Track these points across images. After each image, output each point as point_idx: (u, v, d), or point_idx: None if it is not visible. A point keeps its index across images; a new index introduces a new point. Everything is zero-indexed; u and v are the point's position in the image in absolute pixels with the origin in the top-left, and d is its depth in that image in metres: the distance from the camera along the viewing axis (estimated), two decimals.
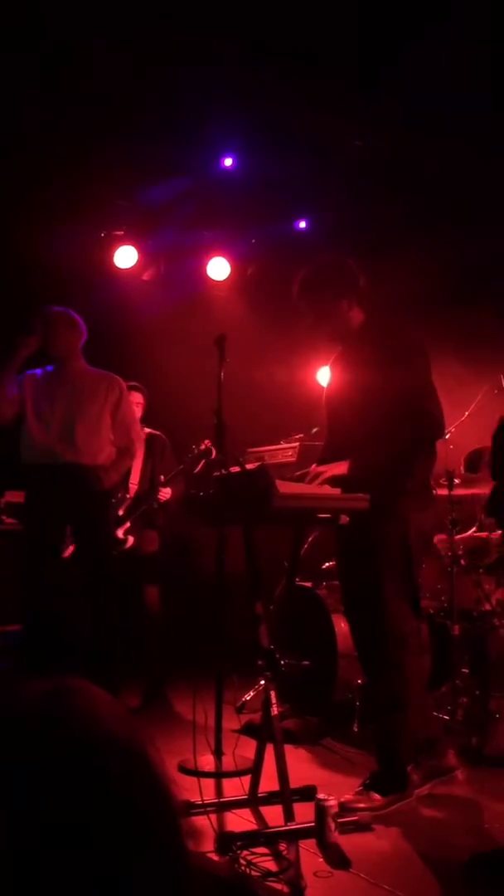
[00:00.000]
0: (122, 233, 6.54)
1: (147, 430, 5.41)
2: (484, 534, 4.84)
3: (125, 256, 6.57)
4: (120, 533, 5.20)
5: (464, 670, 4.45)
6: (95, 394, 4.62)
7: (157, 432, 5.47)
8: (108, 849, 0.72)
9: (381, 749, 3.46)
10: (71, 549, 4.76)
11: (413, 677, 3.41)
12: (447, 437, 4.49)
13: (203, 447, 4.83)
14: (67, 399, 4.56)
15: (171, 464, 5.28)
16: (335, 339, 3.70)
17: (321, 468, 3.39)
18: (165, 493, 5.15)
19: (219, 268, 6.79)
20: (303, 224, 6.75)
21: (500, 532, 4.57)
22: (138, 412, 5.30)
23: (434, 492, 3.84)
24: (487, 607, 4.53)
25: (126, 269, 6.62)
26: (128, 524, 5.17)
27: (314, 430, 5.51)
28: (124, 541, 5.18)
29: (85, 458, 4.48)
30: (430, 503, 3.63)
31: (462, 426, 4.87)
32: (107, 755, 0.77)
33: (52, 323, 4.57)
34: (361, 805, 3.21)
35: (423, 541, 3.53)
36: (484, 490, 4.79)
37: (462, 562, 4.50)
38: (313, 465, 3.50)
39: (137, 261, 6.61)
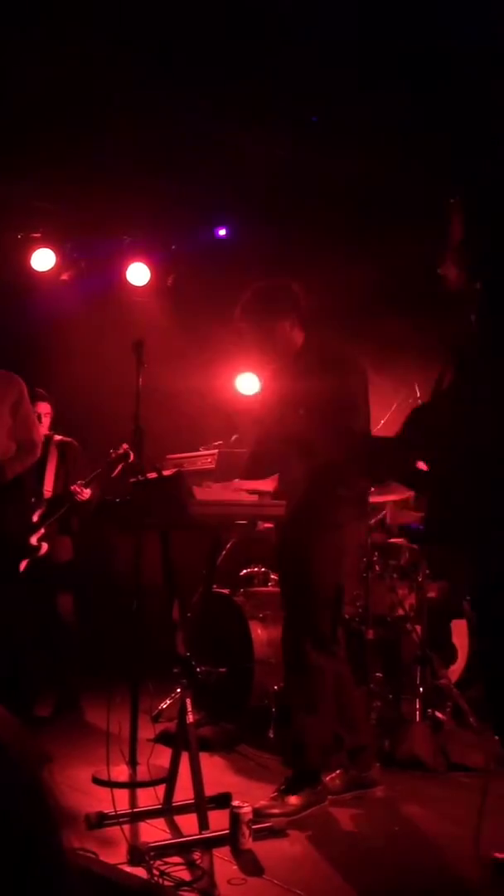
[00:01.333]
0: (38, 235, 6.43)
1: (58, 436, 5.34)
2: (396, 539, 4.94)
3: (42, 259, 6.46)
4: (34, 540, 5.09)
5: (377, 674, 4.52)
6: None
7: (70, 439, 5.39)
8: None
9: (294, 750, 3.48)
10: None
11: (329, 683, 3.44)
12: None
13: (121, 450, 4.78)
14: None
15: (85, 470, 5.21)
16: (274, 358, 3.75)
17: (244, 482, 3.41)
18: (85, 493, 5.07)
19: (138, 273, 6.74)
20: (223, 231, 6.77)
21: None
22: (46, 421, 5.30)
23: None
24: (401, 612, 4.61)
25: (43, 272, 6.51)
26: (42, 531, 5.07)
27: (233, 437, 5.52)
28: (38, 547, 5.07)
29: None
30: (367, 514, 3.73)
31: (378, 433, 4.94)
32: None
33: None
34: (275, 811, 3.22)
35: (360, 551, 3.59)
36: (398, 496, 4.88)
37: (377, 567, 4.57)
38: (236, 480, 3.51)
39: (55, 264, 6.51)
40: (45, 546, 5.05)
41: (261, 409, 3.88)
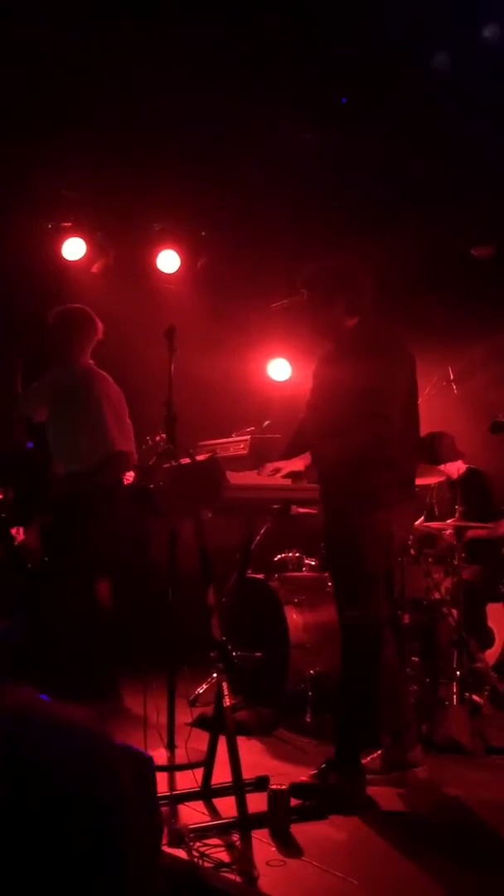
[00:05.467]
0: (69, 224, 6.45)
1: None
2: (434, 524, 4.91)
3: (73, 248, 6.49)
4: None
5: (414, 659, 4.50)
6: None
7: None
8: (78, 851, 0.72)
9: (340, 729, 3.49)
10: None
11: (382, 662, 3.45)
12: None
13: (158, 439, 4.79)
14: None
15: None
16: (324, 335, 3.75)
17: (277, 464, 3.42)
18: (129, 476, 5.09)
19: (169, 260, 6.74)
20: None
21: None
22: None
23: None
24: (437, 596, 4.59)
25: (74, 261, 6.54)
26: None
27: (266, 423, 5.51)
28: None
29: None
30: (413, 496, 3.72)
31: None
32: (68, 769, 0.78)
33: None
34: (314, 787, 3.24)
35: (405, 533, 3.58)
36: (433, 479, 4.85)
37: (412, 552, 4.55)
38: (272, 463, 3.52)
39: (86, 253, 6.53)
40: None
41: (311, 389, 3.86)
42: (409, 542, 4.53)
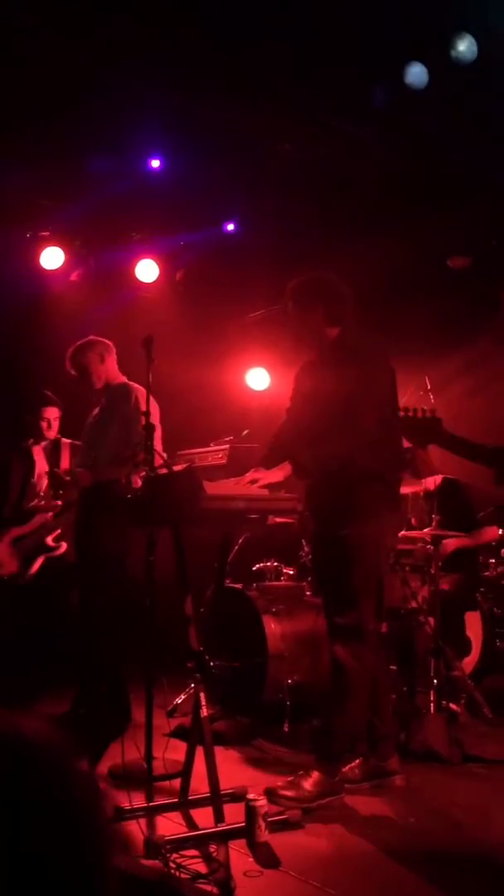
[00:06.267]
0: (47, 233, 6.45)
1: (67, 440, 5.36)
2: (411, 532, 4.93)
3: (51, 257, 6.48)
4: (50, 539, 5.13)
5: (391, 667, 4.51)
6: None
7: (79, 442, 5.44)
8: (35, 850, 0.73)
9: (320, 735, 3.51)
10: None
11: (367, 674, 3.47)
12: None
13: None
14: None
15: None
16: (308, 346, 3.81)
17: (258, 474, 3.44)
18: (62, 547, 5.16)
19: (147, 270, 6.75)
20: (231, 227, 6.76)
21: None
22: (56, 425, 5.32)
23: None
24: (414, 605, 4.61)
25: (52, 270, 6.53)
26: (58, 531, 5.11)
27: (244, 432, 5.52)
28: (56, 547, 5.11)
29: None
30: (399, 506, 3.81)
31: None
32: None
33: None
34: (289, 793, 3.25)
35: (394, 541, 3.63)
36: (413, 488, 4.88)
37: (389, 560, 4.57)
38: (251, 471, 3.53)
39: (64, 262, 6.53)
40: (63, 545, 5.09)
41: (291, 396, 3.90)
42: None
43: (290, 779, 3.35)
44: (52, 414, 5.31)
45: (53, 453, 5.34)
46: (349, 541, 3.43)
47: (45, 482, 5.29)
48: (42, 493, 5.27)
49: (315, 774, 3.35)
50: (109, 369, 4.71)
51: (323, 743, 3.49)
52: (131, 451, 4.30)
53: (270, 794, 3.10)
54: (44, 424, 5.28)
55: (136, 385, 4.57)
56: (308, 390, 3.69)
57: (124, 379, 4.71)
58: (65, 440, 5.35)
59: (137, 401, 4.46)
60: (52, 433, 5.30)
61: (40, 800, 0.77)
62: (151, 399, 4.47)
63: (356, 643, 3.43)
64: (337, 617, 3.52)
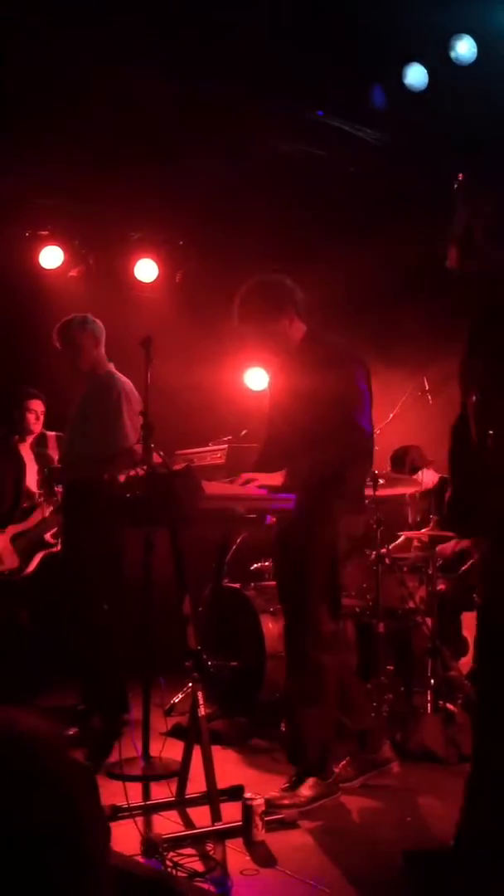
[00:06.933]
0: (46, 232, 6.45)
1: (52, 433, 5.40)
2: (408, 533, 4.94)
3: (50, 256, 6.48)
4: (49, 536, 5.13)
5: (389, 667, 4.53)
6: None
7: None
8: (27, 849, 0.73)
9: (294, 746, 3.50)
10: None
11: (330, 677, 3.44)
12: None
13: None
14: None
15: None
16: (278, 354, 3.74)
17: (253, 475, 3.42)
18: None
19: (146, 269, 6.76)
20: (231, 226, 6.76)
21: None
22: (42, 419, 5.34)
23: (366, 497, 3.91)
24: (411, 605, 4.62)
25: (51, 269, 6.53)
26: (56, 527, 5.11)
27: (243, 432, 5.53)
28: (54, 544, 5.12)
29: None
30: (363, 508, 3.73)
31: (388, 427, 4.96)
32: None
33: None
34: (286, 801, 3.24)
35: (350, 544, 3.58)
36: (407, 489, 4.89)
37: (386, 560, 4.58)
38: (245, 473, 3.52)
39: (63, 261, 6.53)
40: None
41: (268, 404, 3.88)
42: (385, 552, 4.57)
43: (285, 786, 3.35)
44: (39, 407, 5.34)
45: (40, 448, 5.36)
46: (304, 544, 3.41)
47: (35, 480, 5.31)
48: (37, 492, 5.28)
49: (309, 780, 3.35)
50: (99, 354, 4.58)
51: (299, 756, 3.46)
52: (112, 451, 4.31)
53: (269, 803, 3.10)
54: (31, 416, 5.31)
55: (122, 377, 4.52)
56: (294, 395, 3.60)
57: (111, 367, 4.60)
58: (50, 433, 5.37)
59: (120, 396, 4.42)
60: (38, 426, 5.33)
61: (35, 794, 0.77)
62: (134, 390, 4.49)
63: (316, 649, 3.39)
64: (293, 622, 3.50)
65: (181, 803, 3.32)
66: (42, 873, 0.75)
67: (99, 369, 4.58)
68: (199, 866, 2.74)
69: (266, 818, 2.98)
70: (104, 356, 4.62)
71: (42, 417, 5.36)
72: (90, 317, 4.62)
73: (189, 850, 2.86)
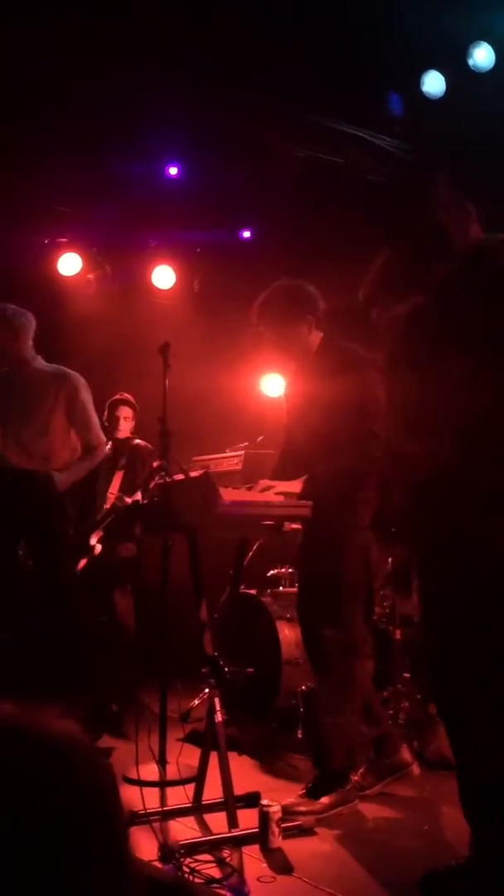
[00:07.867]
0: (65, 240, 6.50)
1: (136, 440, 5.50)
2: None
3: (69, 264, 6.53)
4: (92, 540, 5.15)
5: (405, 675, 4.51)
6: (44, 393, 4.52)
7: (143, 443, 5.51)
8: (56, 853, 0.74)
9: (317, 751, 3.49)
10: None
11: (359, 683, 3.45)
12: None
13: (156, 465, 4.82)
14: (18, 402, 4.50)
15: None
16: (295, 360, 3.76)
17: (272, 482, 3.43)
18: (136, 496, 5.11)
19: (164, 276, 6.79)
20: (247, 234, 6.79)
21: None
22: (128, 425, 5.52)
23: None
24: None
25: (70, 276, 6.58)
26: (100, 532, 5.15)
27: (259, 438, 5.54)
28: (93, 547, 5.14)
29: (34, 463, 4.42)
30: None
31: None
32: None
33: None
34: (303, 808, 3.24)
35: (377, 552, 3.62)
36: None
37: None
38: (263, 480, 3.53)
39: (81, 268, 6.58)
40: (99, 547, 5.12)
41: (286, 411, 3.89)
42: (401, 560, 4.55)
43: (302, 793, 3.35)
44: (124, 413, 5.61)
45: (116, 451, 5.55)
46: (339, 550, 3.41)
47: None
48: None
49: (325, 788, 3.34)
50: (24, 346, 4.55)
51: (324, 757, 3.45)
52: (79, 453, 4.50)
53: (286, 810, 3.09)
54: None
55: (73, 372, 4.62)
56: (312, 401, 3.61)
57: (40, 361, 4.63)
58: (134, 441, 5.60)
59: (88, 397, 4.60)
60: (123, 433, 5.60)
61: (63, 792, 0.78)
62: (85, 385, 4.57)
63: (347, 653, 3.39)
64: (325, 627, 3.47)
65: (198, 809, 3.32)
66: (73, 872, 0.76)
67: (30, 361, 4.62)
68: (215, 873, 2.75)
69: (283, 825, 2.98)
70: (31, 347, 4.64)
71: (128, 423, 5.61)
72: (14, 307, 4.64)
73: (206, 857, 2.86)
